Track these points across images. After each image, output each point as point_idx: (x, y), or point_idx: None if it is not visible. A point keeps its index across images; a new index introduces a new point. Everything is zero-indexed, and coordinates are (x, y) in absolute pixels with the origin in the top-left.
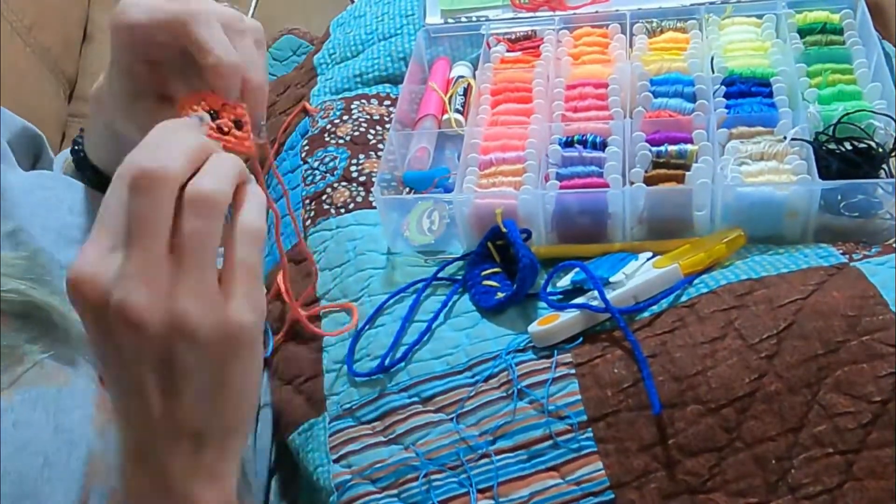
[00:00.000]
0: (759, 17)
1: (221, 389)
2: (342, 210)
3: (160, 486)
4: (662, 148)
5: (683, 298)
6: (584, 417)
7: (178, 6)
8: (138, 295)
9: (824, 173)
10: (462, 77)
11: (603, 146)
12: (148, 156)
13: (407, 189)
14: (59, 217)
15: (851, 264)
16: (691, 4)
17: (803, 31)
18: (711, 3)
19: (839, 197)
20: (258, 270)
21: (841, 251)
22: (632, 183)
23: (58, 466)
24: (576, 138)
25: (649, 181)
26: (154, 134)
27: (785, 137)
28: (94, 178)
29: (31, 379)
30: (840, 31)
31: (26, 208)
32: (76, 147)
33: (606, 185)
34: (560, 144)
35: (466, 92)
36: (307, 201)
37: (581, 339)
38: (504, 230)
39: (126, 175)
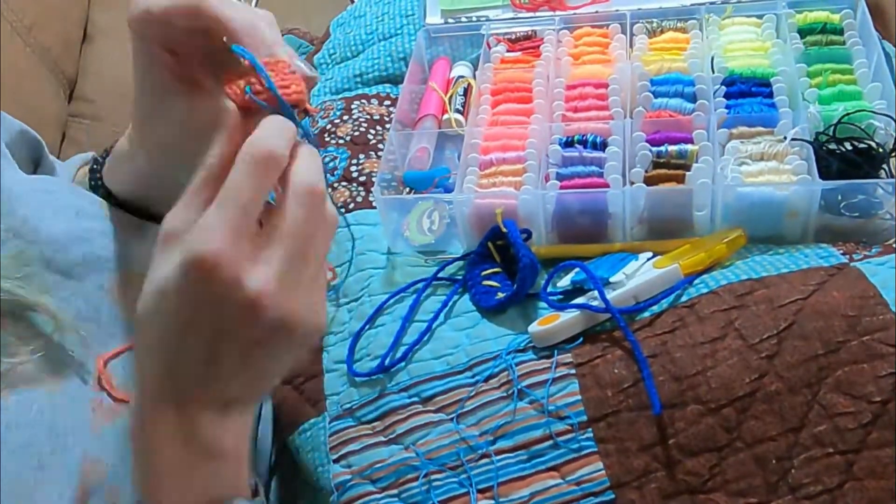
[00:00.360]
0: (760, 17)
1: (276, 372)
2: (342, 210)
3: (186, 433)
4: (663, 148)
5: (683, 298)
6: (585, 417)
7: None
8: (274, 292)
9: (824, 173)
10: (462, 77)
11: (603, 146)
12: (265, 140)
13: (407, 189)
14: (66, 219)
15: (852, 264)
16: (691, 4)
17: (803, 31)
18: (712, 3)
19: (839, 197)
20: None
21: (841, 251)
22: (632, 183)
23: (52, 468)
24: (576, 138)
25: (649, 181)
26: (267, 121)
27: (785, 137)
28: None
29: (24, 381)
30: (840, 32)
31: (31, 207)
32: (95, 166)
33: (607, 185)
34: (560, 144)
35: (466, 92)
36: None
37: (581, 339)
38: (504, 230)
39: (278, 168)
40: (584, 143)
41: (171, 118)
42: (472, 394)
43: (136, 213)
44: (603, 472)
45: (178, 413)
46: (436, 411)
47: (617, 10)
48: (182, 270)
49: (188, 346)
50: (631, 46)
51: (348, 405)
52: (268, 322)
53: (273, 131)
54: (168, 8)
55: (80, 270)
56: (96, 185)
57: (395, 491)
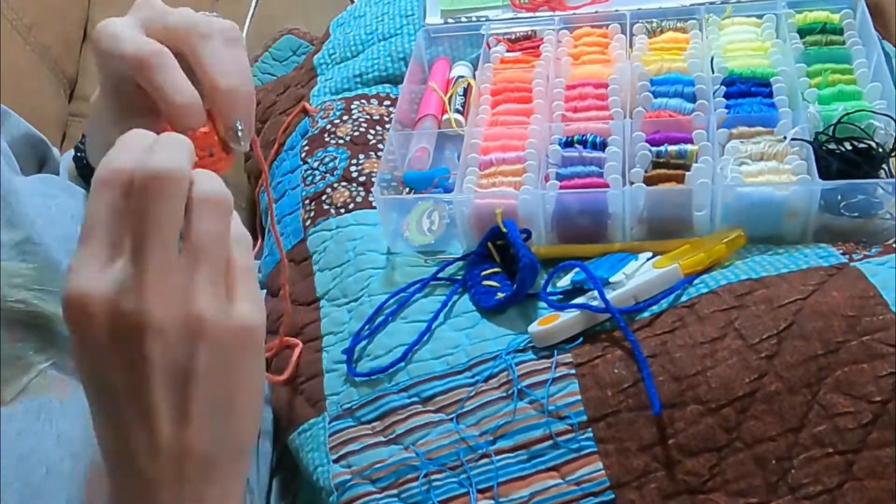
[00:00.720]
0: (759, 17)
1: (231, 403)
2: (342, 210)
3: None
4: (662, 148)
5: (683, 298)
6: (584, 417)
7: (134, 47)
8: (155, 302)
9: (824, 173)
10: (462, 77)
11: (603, 146)
12: (159, 158)
13: (407, 189)
14: (63, 225)
15: (851, 264)
16: (691, 4)
17: (803, 31)
18: (711, 3)
19: (839, 197)
20: (253, 269)
21: (841, 251)
22: (632, 183)
23: (60, 477)
24: (576, 138)
25: (649, 181)
26: (140, 136)
27: (785, 137)
28: None
29: (34, 388)
30: (840, 31)
31: (31, 217)
32: (79, 153)
33: (606, 186)
34: (560, 144)
35: (466, 92)
36: (307, 201)
37: (581, 339)
38: (504, 230)
39: (123, 179)
40: (583, 143)
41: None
42: (472, 394)
43: None
44: (603, 472)
45: (148, 499)
46: (436, 411)
47: (616, 10)
48: (67, 321)
49: (124, 406)
50: (631, 46)
51: (348, 405)
52: (175, 334)
53: (120, 148)
54: (116, 55)
55: None
56: (83, 168)
57: (394, 491)
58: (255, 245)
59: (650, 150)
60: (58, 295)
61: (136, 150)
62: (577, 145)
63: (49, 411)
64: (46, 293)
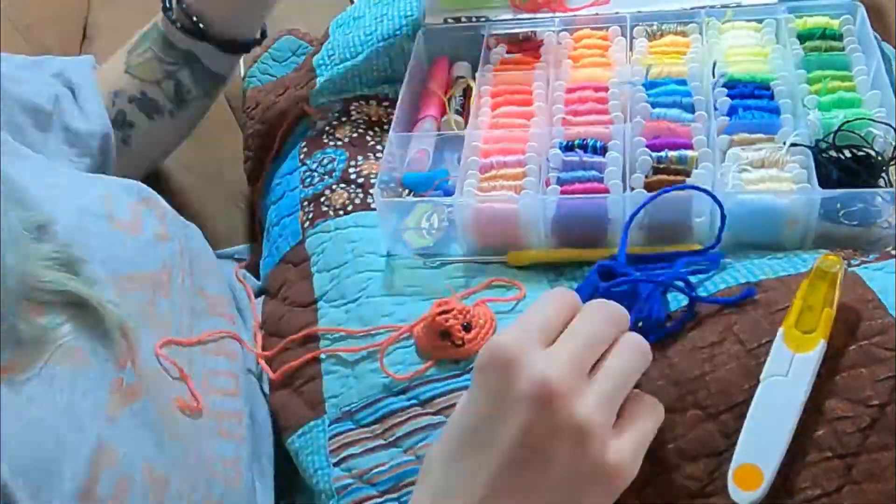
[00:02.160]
0: (759, 21)
1: None
2: (341, 212)
3: None
4: (663, 153)
5: (682, 303)
6: None
7: None
8: (601, 422)
9: (824, 181)
10: (462, 78)
11: (603, 151)
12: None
13: (406, 191)
14: (71, 203)
15: (849, 269)
16: (692, 8)
17: (803, 37)
18: (712, 8)
19: (839, 205)
20: (649, 437)
21: (840, 256)
22: (632, 188)
23: (67, 447)
24: (576, 143)
25: (649, 187)
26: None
27: (785, 143)
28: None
29: (51, 356)
30: (840, 37)
31: (43, 199)
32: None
33: (607, 191)
34: (560, 149)
35: (466, 93)
36: (305, 203)
37: None
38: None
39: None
40: (584, 147)
41: None
42: None
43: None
44: None
45: None
46: (435, 413)
47: (617, 13)
48: (522, 390)
49: (511, 476)
50: (631, 49)
51: (347, 408)
52: (596, 455)
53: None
54: None
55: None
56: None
57: (395, 495)
58: (255, 246)
59: (650, 156)
60: (81, 272)
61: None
62: (577, 150)
63: (62, 381)
64: (72, 271)
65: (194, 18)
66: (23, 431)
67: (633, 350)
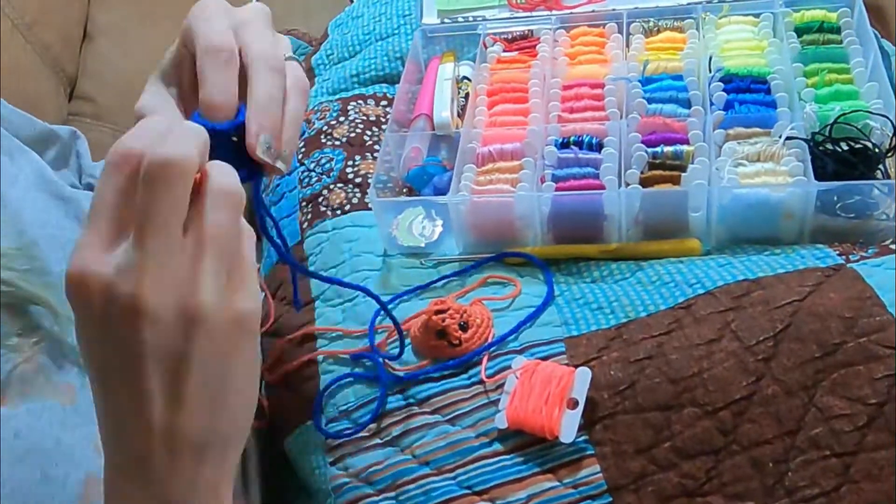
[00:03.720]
0: (756, 16)
1: (224, 390)
2: (338, 212)
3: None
4: (658, 149)
5: (680, 299)
6: (581, 420)
7: (217, 38)
8: (154, 288)
9: (820, 174)
10: (466, 78)
11: (599, 147)
12: (168, 146)
13: (406, 188)
14: (38, 205)
15: (848, 265)
16: (688, 3)
17: (800, 30)
18: (708, 3)
19: (835, 198)
20: (254, 261)
21: (838, 252)
22: (627, 184)
23: (55, 483)
24: (572, 139)
25: (645, 182)
26: (156, 122)
27: (780, 136)
28: None
29: (38, 391)
30: (837, 30)
31: (7, 199)
32: None
33: (602, 187)
34: (556, 145)
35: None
36: (304, 203)
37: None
38: None
39: (133, 163)
40: (579, 144)
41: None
42: (468, 396)
43: None
44: (600, 474)
45: (143, 490)
46: (432, 413)
47: (613, 10)
48: (69, 298)
49: (120, 387)
50: (627, 46)
51: (344, 407)
52: (170, 321)
53: (136, 131)
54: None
55: None
56: None
57: (392, 493)
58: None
59: (646, 151)
60: (40, 275)
61: (151, 135)
62: (573, 146)
63: (52, 415)
64: (30, 273)
65: None
66: (9, 466)
67: (148, 184)
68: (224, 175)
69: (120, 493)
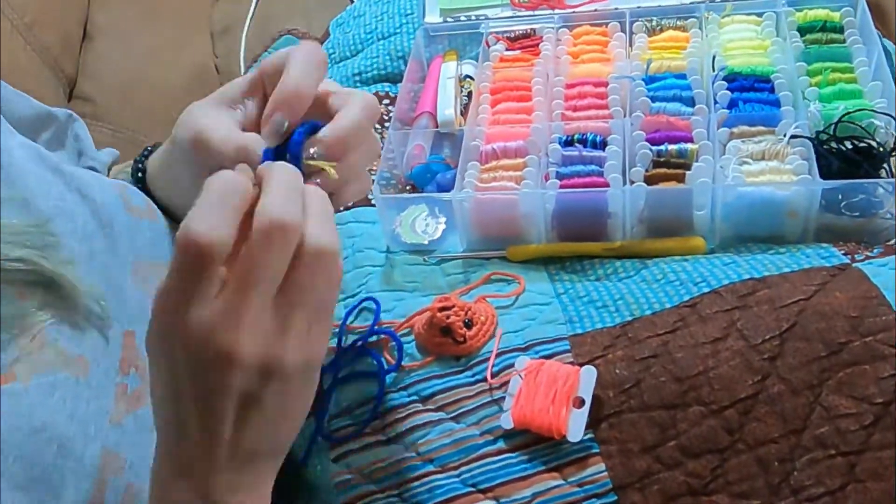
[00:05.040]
0: (759, 15)
1: (286, 417)
2: (342, 208)
3: (201, 497)
4: (663, 147)
5: (685, 297)
6: (587, 419)
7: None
8: (249, 340)
9: (825, 173)
10: (469, 77)
11: (603, 145)
12: (278, 207)
13: (409, 186)
14: (51, 186)
15: (854, 265)
16: (691, 2)
17: (803, 30)
18: (712, 2)
19: (840, 197)
20: (333, 307)
21: (843, 251)
22: (632, 182)
23: (71, 456)
24: (576, 137)
25: (649, 180)
26: (277, 183)
27: (785, 135)
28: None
29: (49, 363)
30: (840, 30)
31: (23, 177)
32: (139, 173)
33: (607, 185)
34: (560, 143)
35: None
36: None
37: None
38: None
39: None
40: (583, 142)
41: None
42: (473, 393)
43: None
44: (605, 473)
45: (190, 485)
46: (436, 410)
47: (616, 9)
48: (157, 333)
49: (195, 412)
50: (630, 45)
51: (347, 404)
52: (255, 371)
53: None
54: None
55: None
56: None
57: (396, 491)
58: None
59: (650, 149)
60: (56, 250)
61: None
62: (577, 144)
63: (64, 389)
64: (46, 249)
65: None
66: (25, 440)
67: (260, 238)
68: (322, 233)
69: (169, 488)
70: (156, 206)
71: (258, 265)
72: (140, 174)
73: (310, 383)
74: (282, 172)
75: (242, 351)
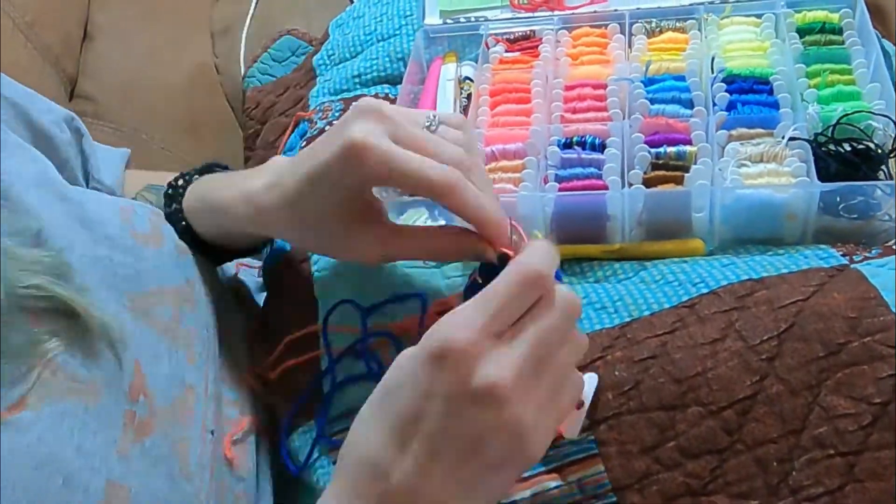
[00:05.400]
0: (759, 16)
1: (487, 487)
2: None
3: None
4: (661, 149)
5: (684, 298)
6: (586, 420)
7: (437, 173)
8: (510, 386)
9: (823, 175)
10: (469, 79)
11: (602, 147)
12: (570, 296)
13: None
14: (62, 215)
15: (852, 266)
16: (690, 4)
17: (802, 31)
18: (711, 3)
19: (838, 199)
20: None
21: (841, 252)
22: (630, 185)
23: (77, 490)
24: (574, 140)
25: (648, 183)
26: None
27: (783, 137)
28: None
29: (60, 392)
30: (839, 31)
31: (36, 208)
32: (173, 204)
33: (605, 187)
34: (559, 146)
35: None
36: None
37: None
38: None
39: (541, 286)
40: (582, 144)
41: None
42: None
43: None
44: (604, 474)
45: None
46: None
47: (615, 10)
48: (422, 357)
49: (409, 439)
50: (630, 47)
51: (347, 406)
52: (498, 416)
53: (542, 255)
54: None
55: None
56: (177, 221)
57: None
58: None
59: (649, 152)
60: (73, 282)
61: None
62: (575, 147)
63: (73, 419)
64: (60, 277)
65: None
66: (31, 472)
67: (557, 314)
68: (568, 293)
69: None
70: (166, 230)
71: (548, 326)
72: (180, 189)
73: (526, 465)
74: (542, 244)
75: (511, 399)
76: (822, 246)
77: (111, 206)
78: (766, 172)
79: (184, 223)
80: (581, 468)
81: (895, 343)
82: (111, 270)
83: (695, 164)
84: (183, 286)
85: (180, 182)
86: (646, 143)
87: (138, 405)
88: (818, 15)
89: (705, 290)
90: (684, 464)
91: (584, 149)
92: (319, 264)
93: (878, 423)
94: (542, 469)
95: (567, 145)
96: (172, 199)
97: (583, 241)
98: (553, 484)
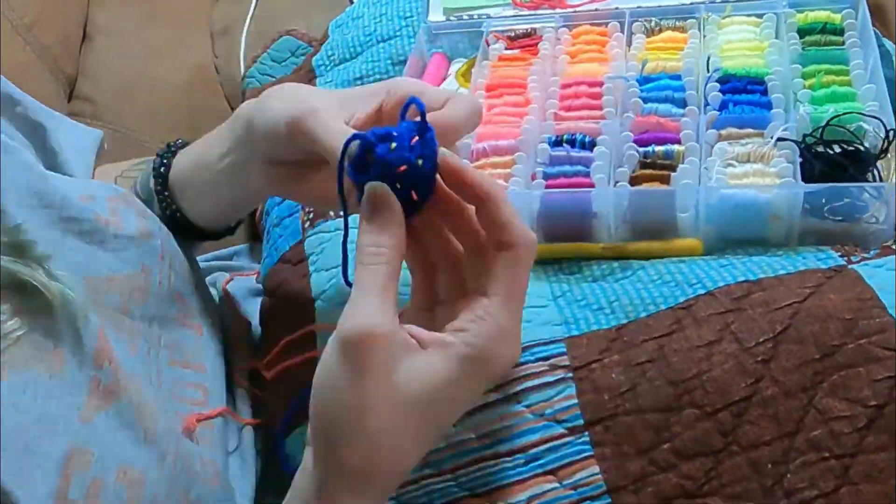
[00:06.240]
0: (760, 16)
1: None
2: (341, 212)
3: None
4: (650, 148)
5: (680, 299)
6: (581, 421)
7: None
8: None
9: (807, 176)
10: None
11: (591, 146)
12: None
13: None
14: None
15: (850, 267)
16: (691, 3)
17: (803, 31)
18: (712, 2)
19: (823, 200)
20: None
21: (839, 253)
22: (616, 183)
23: (38, 454)
24: (565, 137)
25: (635, 181)
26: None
27: (771, 138)
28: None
29: (24, 361)
30: (840, 32)
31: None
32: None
33: (592, 185)
34: (549, 143)
35: None
36: None
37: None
38: None
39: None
40: (572, 142)
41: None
42: None
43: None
44: (600, 476)
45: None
46: None
47: (616, 9)
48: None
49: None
50: (629, 45)
51: None
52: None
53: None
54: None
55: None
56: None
57: (393, 495)
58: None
59: (637, 151)
60: (32, 259)
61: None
62: (565, 144)
63: (36, 387)
64: (19, 256)
65: (175, 208)
66: None
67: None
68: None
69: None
70: (126, 215)
71: (519, 278)
72: (162, 168)
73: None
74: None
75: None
76: (822, 247)
77: (76, 187)
78: (751, 172)
79: (166, 192)
80: (576, 470)
81: (892, 345)
82: (69, 253)
83: (682, 163)
84: (137, 273)
85: (171, 148)
86: (635, 141)
87: (103, 371)
88: (820, 15)
89: (702, 291)
90: (679, 465)
91: (573, 147)
92: (318, 264)
93: (874, 425)
94: (538, 471)
95: (557, 143)
96: (159, 169)
97: (569, 238)
98: (548, 486)
